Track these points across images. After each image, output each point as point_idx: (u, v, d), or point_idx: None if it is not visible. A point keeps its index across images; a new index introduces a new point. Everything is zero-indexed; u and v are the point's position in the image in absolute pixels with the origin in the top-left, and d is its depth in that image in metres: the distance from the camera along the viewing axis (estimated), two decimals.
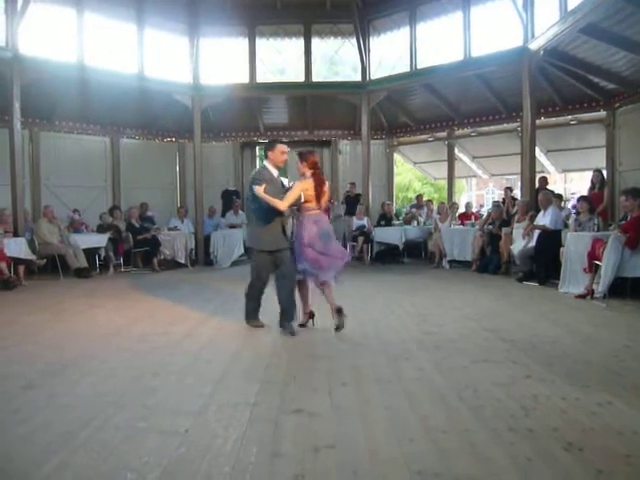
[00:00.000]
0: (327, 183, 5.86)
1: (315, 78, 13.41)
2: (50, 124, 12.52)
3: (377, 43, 13.37)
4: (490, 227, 10.48)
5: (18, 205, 10.07)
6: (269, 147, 5.85)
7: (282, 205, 5.50)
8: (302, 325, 5.79)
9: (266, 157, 5.84)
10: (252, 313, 5.87)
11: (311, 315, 5.81)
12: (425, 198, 15.59)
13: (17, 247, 9.32)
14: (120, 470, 2.61)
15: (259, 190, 5.46)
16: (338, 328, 5.39)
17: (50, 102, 12.03)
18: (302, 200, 5.59)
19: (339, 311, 5.41)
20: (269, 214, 5.61)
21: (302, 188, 5.58)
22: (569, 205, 12.33)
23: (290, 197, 5.51)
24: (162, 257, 11.72)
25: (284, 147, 5.83)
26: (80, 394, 3.72)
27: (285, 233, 5.79)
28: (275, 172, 5.75)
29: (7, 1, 9.91)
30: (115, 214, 12.02)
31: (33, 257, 9.69)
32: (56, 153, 12.64)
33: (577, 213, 8.64)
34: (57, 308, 7.16)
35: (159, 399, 3.60)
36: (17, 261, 9.28)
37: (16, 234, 9.76)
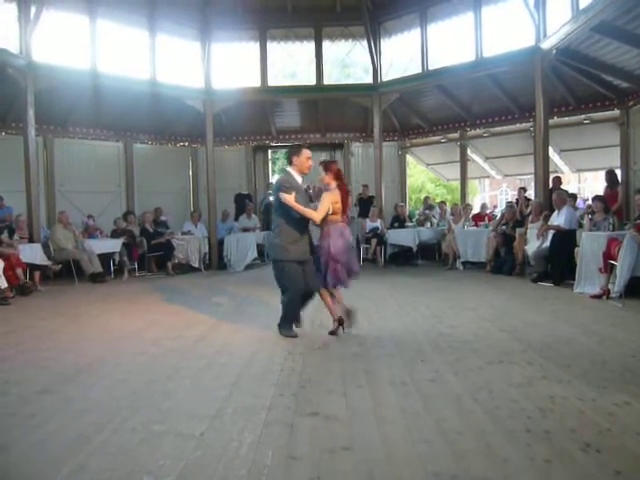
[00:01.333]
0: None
1: (326, 81, 13.43)
2: (64, 130, 12.64)
3: (388, 45, 13.33)
4: (504, 228, 10.42)
5: (33, 211, 10.17)
6: (294, 152, 5.50)
7: (317, 216, 5.29)
8: (332, 333, 5.52)
9: (290, 163, 5.51)
10: (288, 324, 5.56)
11: (340, 322, 5.51)
12: (438, 199, 15.50)
13: (32, 253, 9.40)
14: (136, 473, 2.62)
15: (289, 199, 5.18)
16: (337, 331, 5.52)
17: (64, 109, 12.13)
18: (330, 212, 5.38)
19: (342, 319, 5.50)
20: (300, 224, 5.36)
21: (332, 200, 5.37)
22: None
23: (323, 209, 5.31)
24: (176, 261, 11.76)
25: (309, 152, 5.48)
26: (95, 398, 3.75)
27: (312, 244, 5.55)
28: (299, 179, 5.46)
29: (21, 9, 10.02)
30: (129, 219, 12.11)
31: (48, 263, 9.78)
32: (70, 159, 12.76)
33: (592, 213, 8.56)
34: (72, 313, 7.21)
35: (174, 402, 3.61)
36: (33, 267, 9.36)
37: (31, 240, 9.85)
